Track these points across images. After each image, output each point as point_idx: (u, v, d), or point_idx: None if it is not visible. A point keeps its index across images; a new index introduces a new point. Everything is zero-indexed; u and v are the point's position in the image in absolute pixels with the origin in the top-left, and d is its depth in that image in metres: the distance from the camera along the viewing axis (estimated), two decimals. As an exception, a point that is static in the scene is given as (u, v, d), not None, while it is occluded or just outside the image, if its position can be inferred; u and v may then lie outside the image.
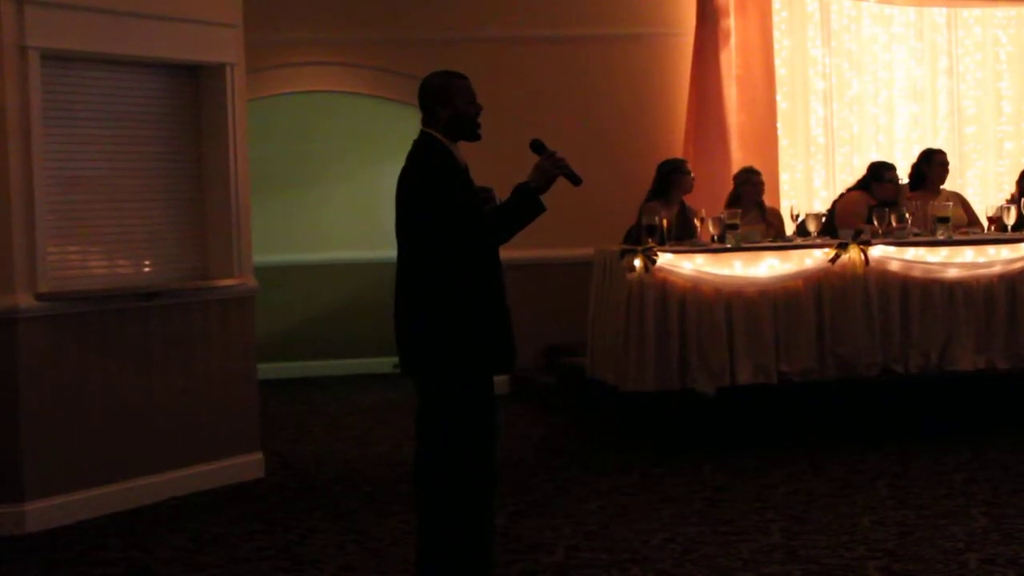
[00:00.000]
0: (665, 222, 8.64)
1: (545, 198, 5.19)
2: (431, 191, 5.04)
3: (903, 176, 9.66)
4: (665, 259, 8.35)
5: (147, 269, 7.59)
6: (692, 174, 9.39)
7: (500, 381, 10.36)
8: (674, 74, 11.10)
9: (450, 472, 5.12)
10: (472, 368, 5.14)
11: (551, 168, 5.14)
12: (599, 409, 9.04)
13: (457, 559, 5.17)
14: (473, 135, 5.20)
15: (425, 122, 5.19)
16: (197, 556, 6.21)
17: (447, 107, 5.13)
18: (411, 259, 5.14)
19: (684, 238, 8.86)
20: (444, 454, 5.13)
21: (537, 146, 5.24)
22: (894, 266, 8.67)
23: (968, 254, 8.78)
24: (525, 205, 5.11)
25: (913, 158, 9.94)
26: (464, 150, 5.26)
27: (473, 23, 10.85)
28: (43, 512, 6.80)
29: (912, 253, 8.71)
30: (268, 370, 10.99)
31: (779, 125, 11.20)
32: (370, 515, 6.90)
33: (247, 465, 7.82)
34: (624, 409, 8.57)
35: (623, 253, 8.47)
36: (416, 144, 5.20)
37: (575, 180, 5.21)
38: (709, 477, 7.55)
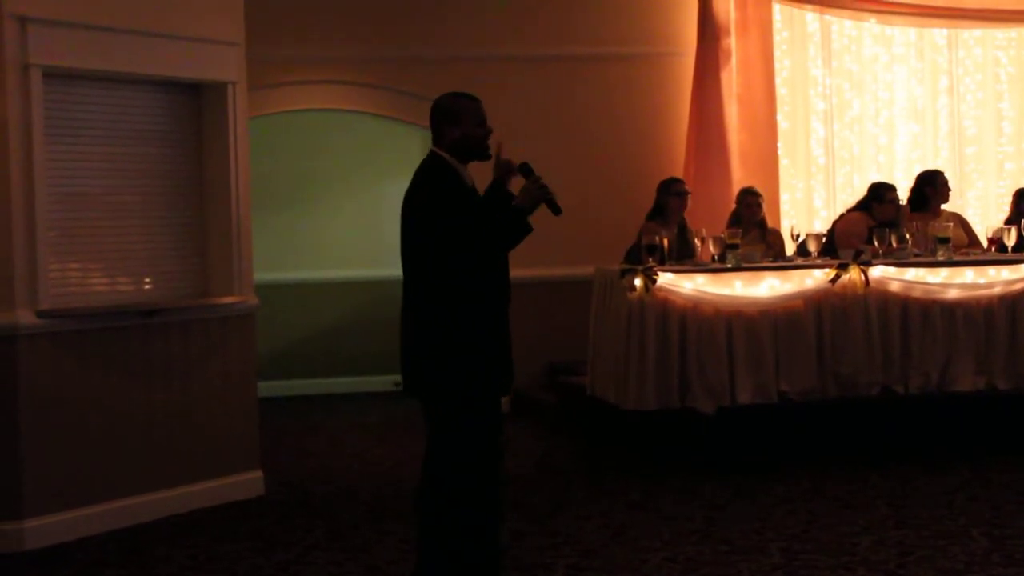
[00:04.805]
0: (665, 242, 8.66)
1: (546, 216, 5.25)
2: (435, 212, 5.06)
3: (903, 197, 9.66)
4: (665, 278, 8.35)
5: (148, 286, 7.60)
6: (687, 192, 9.40)
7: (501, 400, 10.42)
8: (675, 93, 11.13)
9: (457, 493, 5.13)
10: (474, 389, 5.14)
11: (538, 193, 5.18)
12: (599, 428, 9.04)
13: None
14: (482, 156, 5.24)
15: (434, 141, 5.24)
16: (197, 574, 6.21)
17: (455, 128, 5.17)
18: (415, 279, 5.16)
19: (684, 258, 8.88)
20: (452, 475, 5.14)
21: (526, 170, 5.27)
22: (894, 286, 8.67)
23: (968, 275, 8.78)
24: (517, 224, 5.15)
25: (913, 178, 9.94)
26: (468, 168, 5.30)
27: (475, 42, 10.87)
28: (42, 529, 6.80)
29: (912, 274, 8.70)
30: (269, 388, 11.00)
31: (780, 145, 11.22)
32: (370, 533, 6.89)
33: (247, 483, 7.81)
34: (624, 428, 8.56)
35: (623, 272, 8.47)
36: (423, 164, 5.23)
37: (556, 209, 5.27)
38: (709, 496, 7.54)
